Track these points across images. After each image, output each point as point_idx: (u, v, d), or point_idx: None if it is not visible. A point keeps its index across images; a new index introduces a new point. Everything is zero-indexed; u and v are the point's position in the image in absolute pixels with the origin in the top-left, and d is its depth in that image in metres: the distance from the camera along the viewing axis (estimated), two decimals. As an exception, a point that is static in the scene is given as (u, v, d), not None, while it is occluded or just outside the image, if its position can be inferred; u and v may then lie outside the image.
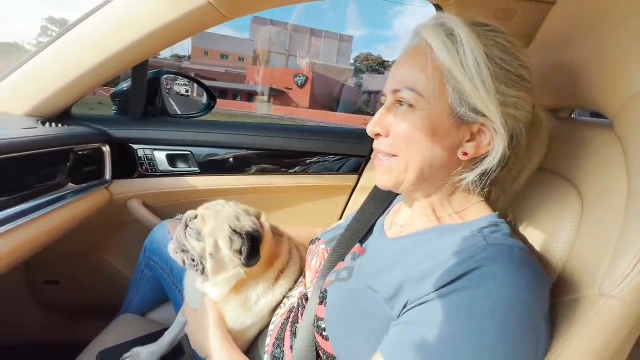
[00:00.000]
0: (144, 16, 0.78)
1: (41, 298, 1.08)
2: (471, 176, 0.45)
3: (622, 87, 0.45)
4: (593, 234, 0.44)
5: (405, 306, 0.41)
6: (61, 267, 1.06)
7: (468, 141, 0.45)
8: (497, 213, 0.48)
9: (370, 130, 0.49)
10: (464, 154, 0.45)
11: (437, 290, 0.38)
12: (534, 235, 0.50)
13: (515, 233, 0.45)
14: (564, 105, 0.60)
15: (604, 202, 0.44)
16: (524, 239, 0.50)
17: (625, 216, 0.40)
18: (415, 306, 0.40)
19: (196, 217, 0.63)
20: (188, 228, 0.62)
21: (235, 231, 0.60)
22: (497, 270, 0.37)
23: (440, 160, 0.45)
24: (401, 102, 0.46)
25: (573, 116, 0.83)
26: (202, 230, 0.61)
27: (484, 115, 0.42)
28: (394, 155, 0.47)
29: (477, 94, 0.41)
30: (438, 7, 0.91)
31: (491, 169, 0.44)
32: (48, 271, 1.07)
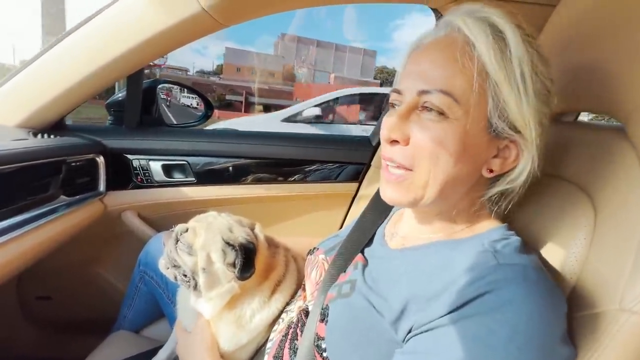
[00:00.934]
0: (138, 24, 0.77)
1: (32, 314, 1.05)
2: (491, 192, 0.42)
3: (633, 88, 0.43)
4: (608, 244, 0.41)
5: (410, 331, 0.38)
6: (53, 281, 1.04)
7: (494, 157, 0.41)
8: (506, 224, 0.45)
9: (387, 135, 0.41)
10: (489, 171, 0.41)
11: (445, 315, 0.35)
12: (546, 245, 0.48)
13: (526, 244, 0.42)
14: (569, 109, 0.58)
15: (619, 211, 0.41)
16: (535, 249, 0.48)
17: None
18: (421, 332, 0.37)
19: (187, 230, 0.61)
20: (179, 242, 0.60)
21: (228, 243, 0.58)
22: (511, 295, 0.34)
23: (464, 177, 0.40)
24: (427, 107, 0.39)
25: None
26: (194, 244, 0.59)
27: (519, 132, 0.38)
28: (409, 169, 0.41)
29: (521, 109, 0.37)
30: (436, 12, 0.90)
31: (515, 186, 0.41)
32: (39, 286, 1.04)
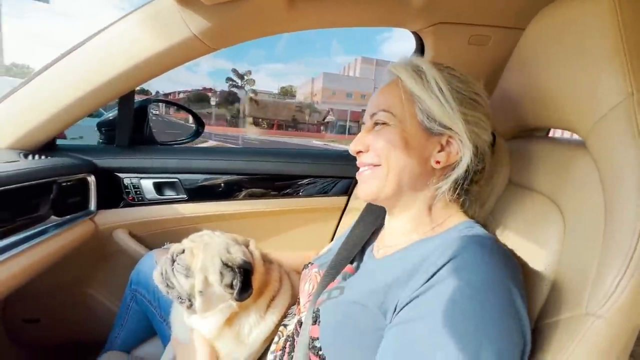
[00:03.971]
0: (130, 49, 0.79)
1: (19, 337, 1.02)
2: (446, 184, 0.51)
3: (591, 108, 0.46)
4: (576, 252, 0.44)
5: (395, 308, 0.43)
6: (42, 302, 1.02)
7: (439, 151, 0.51)
8: (474, 220, 0.52)
9: (352, 148, 0.55)
10: (436, 162, 0.51)
11: (423, 284, 0.41)
12: (520, 254, 0.51)
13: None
14: (537, 125, 0.62)
15: (585, 220, 0.45)
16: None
17: (604, 235, 0.41)
18: (405, 305, 0.42)
19: (183, 251, 0.61)
20: (175, 263, 0.60)
21: (226, 265, 0.58)
22: (470, 256, 0.41)
23: (416, 168, 0.51)
24: (377, 123, 0.53)
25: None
26: (191, 266, 0.59)
27: (450, 129, 0.50)
28: (377, 165, 0.52)
29: (443, 111, 0.49)
30: (416, 35, 0.95)
31: (462, 176, 0.51)
32: (27, 308, 1.02)
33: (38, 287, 0.90)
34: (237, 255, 0.60)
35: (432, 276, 0.41)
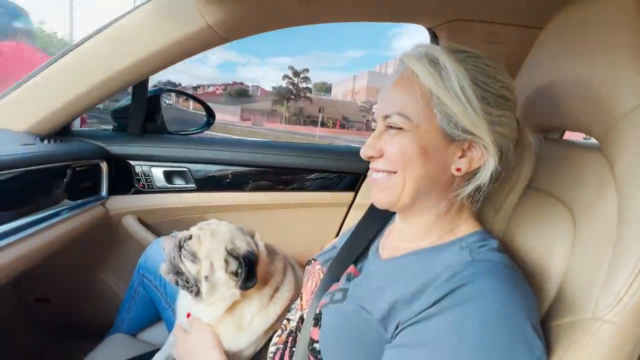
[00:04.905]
0: (145, 37, 0.80)
1: (30, 316, 1.06)
2: (466, 190, 0.47)
3: (608, 110, 0.46)
4: (586, 256, 0.44)
5: (397, 327, 0.41)
6: (52, 283, 1.05)
7: (460, 157, 0.47)
8: (485, 229, 0.49)
9: (364, 153, 0.50)
10: (457, 169, 0.47)
11: (427, 308, 0.39)
12: (530, 257, 0.50)
13: (507, 251, 0.46)
14: (553, 126, 0.61)
15: (596, 224, 0.44)
16: (513, 255, 0.50)
17: (617, 239, 0.40)
18: (407, 326, 0.40)
19: (190, 237, 0.62)
20: (183, 249, 0.61)
21: (230, 253, 0.59)
22: (483, 287, 0.38)
23: (434, 176, 0.47)
24: (391, 127, 0.48)
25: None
26: (198, 252, 0.60)
27: (473, 134, 0.45)
28: (393, 172, 0.48)
29: (465, 115, 0.44)
30: (431, 31, 0.94)
31: (484, 183, 0.46)
32: (39, 288, 1.05)
33: (50, 268, 0.93)
34: (242, 245, 0.61)
35: (436, 302, 0.39)
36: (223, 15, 0.75)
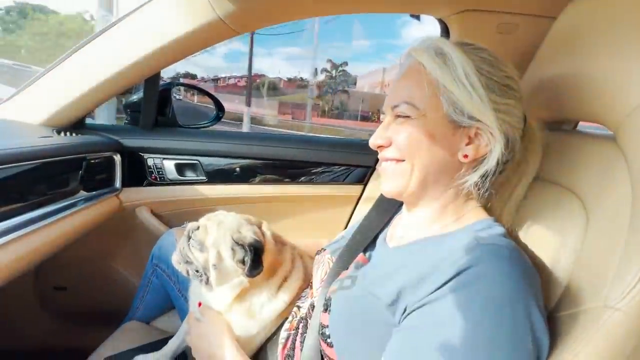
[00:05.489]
0: (157, 31, 0.81)
1: (48, 303, 1.09)
2: (473, 177, 0.47)
3: (623, 100, 0.45)
4: (598, 246, 0.44)
5: (404, 311, 0.42)
6: (69, 272, 1.08)
7: (467, 144, 0.48)
8: (493, 217, 0.49)
9: (372, 142, 0.52)
10: (464, 156, 0.48)
11: (433, 292, 0.40)
12: (540, 247, 0.50)
13: (514, 239, 0.46)
14: (566, 117, 0.60)
15: (609, 214, 0.44)
16: (524, 247, 0.51)
17: (630, 229, 0.40)
18: (414, 310, 0.41)
19: (198, 228, 0.64)
20: (191, 239, 0.63)
21: (237, 242, 0.61)
22: (487, 269, 0.39)
23: (442, 162, 0.48)
24: (399, 115, 0.49)
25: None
26: (205, 241, 0.62)
27: (479, 120, 0.46)
28: (401, 160, 0.49)
29: (471, 101, 0.45)
30: (441, 22, 0.93)
31: (491, 170, 0.47)
32: (57, 276, 1.08)
33: (67, 258, 0.96)
34: (248, 234, 0.62)
35: (442, 285, 0.40)
36: (234, 7, 0.75)
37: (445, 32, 0.94)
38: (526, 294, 0.38)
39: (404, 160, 0.49)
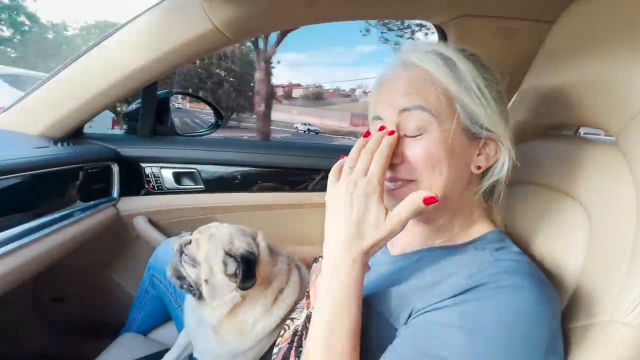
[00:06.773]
0: (154, 40, 0.81)
1: (45, 314, 1.08)
2: (483, 188, 0.47)
3: (624, 105, 0.44)
4: (603, 255, 0.42)
5: (410, 315, 0.41)
6: (66, 283, 1.07)
7: (477, 155, 0.46)
8: (499, 229, 0.48)
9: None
10: (477, 168, 0.46)
11: (445, 299, 0.39)
12: (545, 257, 0.49)
13: (522, 250, 0.45)
14: (566, 122, 0.59)
15: (613, 223, 0.42)
16: (531, 257, 0.49)
17: (636, 238, 0.39)
18: (421, 314, 0.40)
19: (190, 242, 0.63)
20: (183, 254, 0.62)
21: (229, 254, 0.59)
22: (505, 284, 0.38)
23: (458, 177, 0.45)
24: (410, 127, 0.43)
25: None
26: (197, 256, 0.61)
27: (490, 130, 0.44)
28: (412, 181, 0.44)
29: (486, 111, 0.43)
30: (439, 28, 0.92)
31: (501, 178, 0.46)
32: (54, 287, 1.07)
33: (64, 268, 0.95)
34: (240, 246, 0.61)
35: (455, 295, 0.38)
36: (229, 16, 0.75)
37: (443, 38, 0.93)
38: (543, 316, 0.37)
39: (414, 181, 0.43)
